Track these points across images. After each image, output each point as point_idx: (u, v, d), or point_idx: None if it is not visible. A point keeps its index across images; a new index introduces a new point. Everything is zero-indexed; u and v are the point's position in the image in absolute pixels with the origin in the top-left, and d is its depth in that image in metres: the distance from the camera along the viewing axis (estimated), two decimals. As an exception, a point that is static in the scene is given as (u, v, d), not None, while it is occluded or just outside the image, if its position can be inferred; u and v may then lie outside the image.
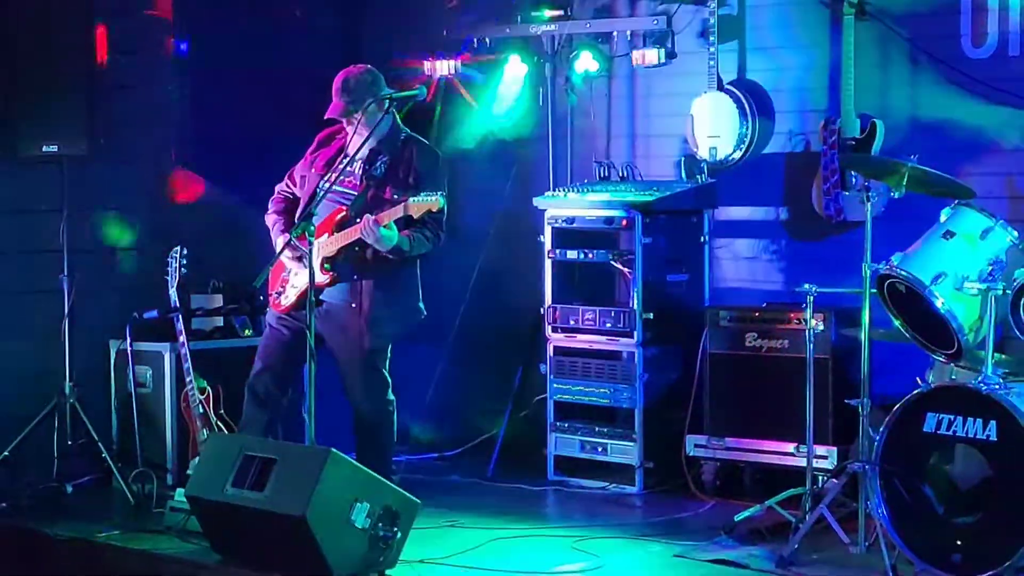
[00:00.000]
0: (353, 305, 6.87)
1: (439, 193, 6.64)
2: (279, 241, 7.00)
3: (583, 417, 8.06)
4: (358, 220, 6.75)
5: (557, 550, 6.77)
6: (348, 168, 6.89)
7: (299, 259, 6.85)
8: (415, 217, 6.68)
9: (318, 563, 6.01)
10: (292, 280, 6.99)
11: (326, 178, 6.93)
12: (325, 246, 6.83)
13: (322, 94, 6.98)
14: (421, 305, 7.05)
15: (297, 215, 6.93)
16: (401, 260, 6.86)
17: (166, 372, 7.87)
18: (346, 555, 6.07)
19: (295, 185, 7.12)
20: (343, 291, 6.88)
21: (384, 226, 6.68)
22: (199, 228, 8.35)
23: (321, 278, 6.79)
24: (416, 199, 6.64)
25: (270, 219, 7.15)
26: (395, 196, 6.81)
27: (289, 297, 6.99)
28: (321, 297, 6.82)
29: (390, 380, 7.01)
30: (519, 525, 7.14)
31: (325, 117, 6.97)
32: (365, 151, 6.89)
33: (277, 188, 7.20)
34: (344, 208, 6.87)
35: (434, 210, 6.65)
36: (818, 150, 7.77)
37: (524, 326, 8.45)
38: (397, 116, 7.00)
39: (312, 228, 6.49)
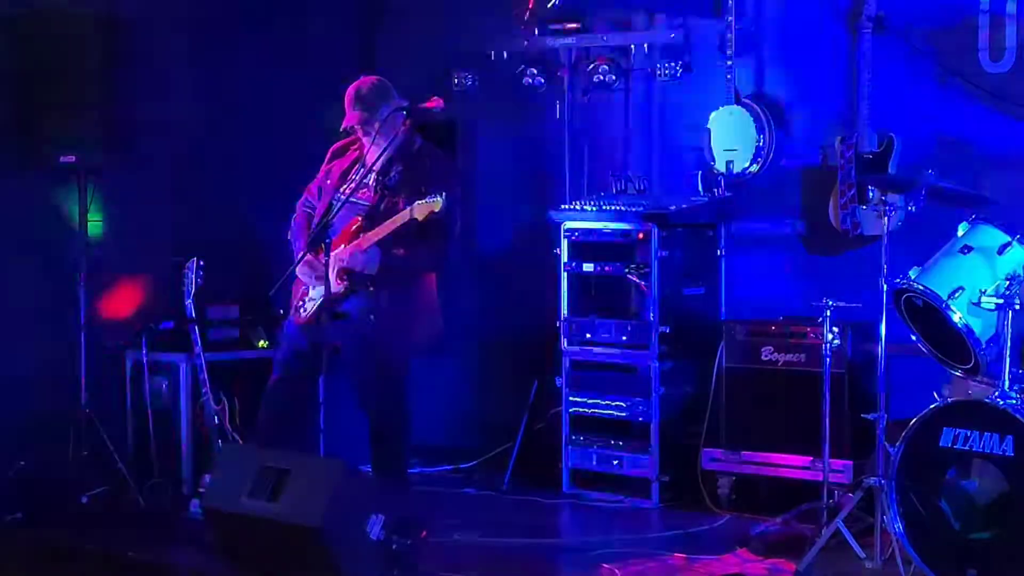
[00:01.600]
0: (371, 316, 6.85)
1: (441, 194, 6.58)
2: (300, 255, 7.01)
3: (599, 430, 8.04)
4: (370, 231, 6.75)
5: (572, 564, 6.76)
6: (364, 180, 6.90)
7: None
8: (420, 220, 6.64)
9: (333, 575, 6.01)
10: (311, 293, 6.98)
11: (341, 190, 6.93)
12: (341, 257, 6.83)
13: (338, 107, 6.98)
14: (439, 318, 7.05)
15: (313, 227, 6.93)
16: (414, 272, 6.85)
17: (182, 383, 7.87)
18: (361, 567, 6.06)
19: (315, 199, 7.12)
20: (362, 302, 6.87)
21: (375, 243, 6.65)
22: (216, 239, 8.36)
23: (337, 287, 6.79)
24: (419, 202, 6.61)
25: (292, 234, 7.17)
26: (407, 206, 6.81)
27: (309, 310, 6.98)
28: (341, 309, 6.83)
29: (406, 392, 7.01)
30: (534, 538, 7.13)
31: (342, 128, 6.96)
32: (381, 162, 6.89)
33: (298, 204, 7.19)
34: (359, 219, 6.86)
35: (436, 210, 6.60)
36: (835, 164, 7.76)
37: (540, 339, 8.43)
38: (411, 126, 7.01)
39: (328, 241, 6.49)
